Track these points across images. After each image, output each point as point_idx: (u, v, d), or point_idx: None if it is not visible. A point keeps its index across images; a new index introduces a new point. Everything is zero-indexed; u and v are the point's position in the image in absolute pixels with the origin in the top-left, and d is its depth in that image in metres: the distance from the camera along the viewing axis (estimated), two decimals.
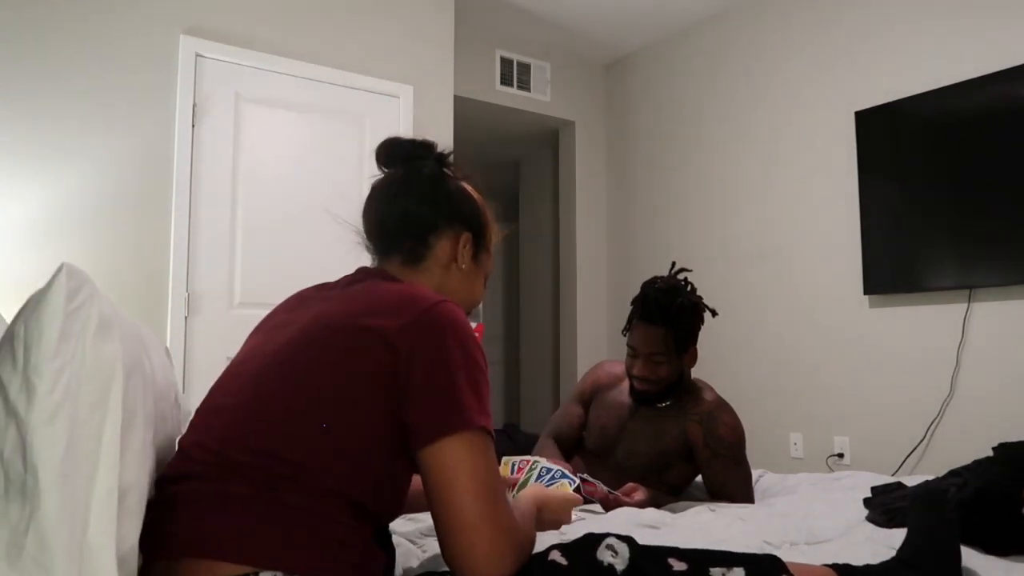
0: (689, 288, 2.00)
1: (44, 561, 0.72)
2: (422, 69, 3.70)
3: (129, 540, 0.82)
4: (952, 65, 3.21)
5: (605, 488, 1.78)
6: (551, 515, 1.23)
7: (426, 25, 3.73)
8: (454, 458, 0.91)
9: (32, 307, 0.79)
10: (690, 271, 2.07)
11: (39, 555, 0.72)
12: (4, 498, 0.73)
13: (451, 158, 1.22)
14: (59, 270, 0.81)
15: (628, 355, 2.00)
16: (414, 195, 1.16)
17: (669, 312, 1.92)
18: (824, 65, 3.73)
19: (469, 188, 1.22)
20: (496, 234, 1.25)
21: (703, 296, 2.03)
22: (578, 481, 1.70)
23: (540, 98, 4.75)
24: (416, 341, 0.94)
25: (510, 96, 4.63)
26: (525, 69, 4.69)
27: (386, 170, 1.20)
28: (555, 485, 1.62)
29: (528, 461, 1.71)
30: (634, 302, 2.00)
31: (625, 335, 2.02)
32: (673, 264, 2.09)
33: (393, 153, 1.20)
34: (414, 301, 0.99)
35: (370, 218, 1.18)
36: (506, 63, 4.60)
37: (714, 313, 2.02)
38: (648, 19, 4.39)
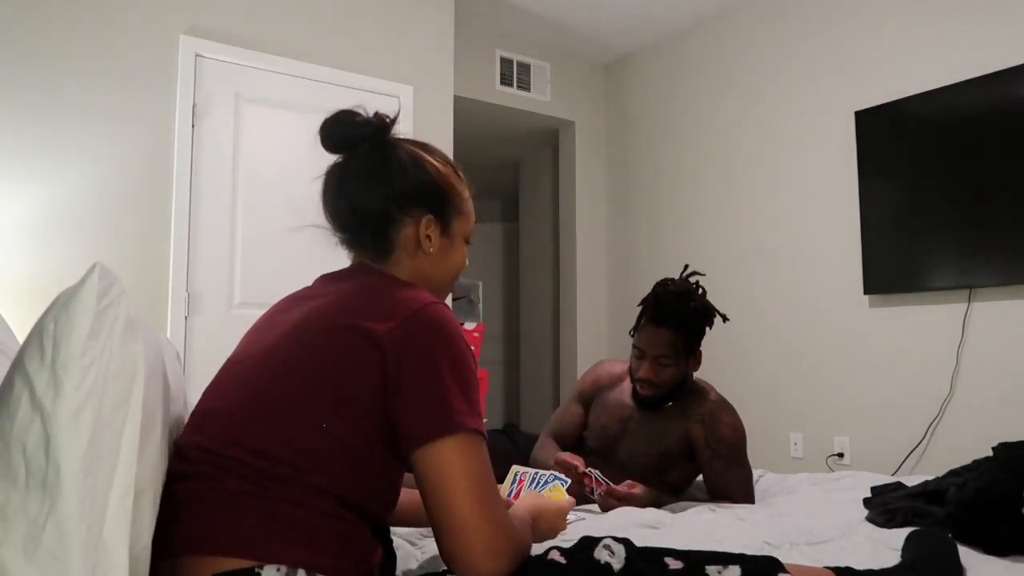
0: (700, 292, 1.98)
1: (61, 556, 0.72)
2: (422, 69, 3.70)
3: (142, 540, 0.83)
4: (952, 65, 3.22)
5: (600, 481, 1.77)
6: (547, 524, 1.24)
7: (426, 25, 3.73)
8: (448, 461, 0.92)
9: (63, 304, 0.80)
10: (703, 275, 2.04)
11: (57, 549, 0.72)
12: (24, 491, 0.73)
13: (396, 127, 1.11)
14: (92, 269, 0.82)
15: (634, 356, 1.99)
16: (360, 185, 1.08)
17: (682, 316, 1.91)
18: (824, 65, 3.74)
19: (424, 156, 1.11)
20: (466, 191, 1.16)
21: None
22: (569, 482, 1.69)
23: (540, 98, 4.75)
24: (405, 344, 0.94)
25: (510, 96, 4.63)
26: (525, 69, 4.69)
27: (335, 155, 1.11)
28: (548, 488, 1.61)
29: (527, 474, 1.71)
30: (644, 302, 1.98)
31: (632, 335, 2.00)
32: (686, 267, 2.07)
33: (334, 137, 1.09)
34: (404, 303, 0.99)
35: (327, 211, 1.12)
36: (506, 63, 4.60)
37: (725, 318, 2.00)
38: (648, 19, 4.39)
